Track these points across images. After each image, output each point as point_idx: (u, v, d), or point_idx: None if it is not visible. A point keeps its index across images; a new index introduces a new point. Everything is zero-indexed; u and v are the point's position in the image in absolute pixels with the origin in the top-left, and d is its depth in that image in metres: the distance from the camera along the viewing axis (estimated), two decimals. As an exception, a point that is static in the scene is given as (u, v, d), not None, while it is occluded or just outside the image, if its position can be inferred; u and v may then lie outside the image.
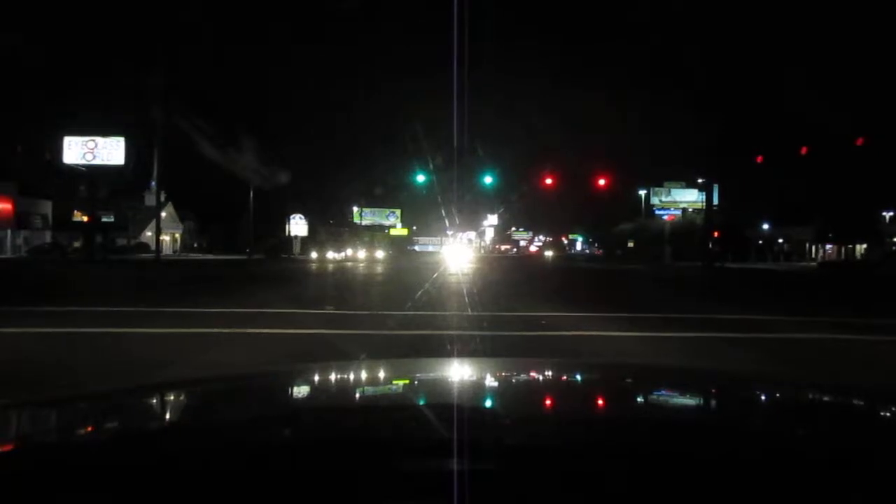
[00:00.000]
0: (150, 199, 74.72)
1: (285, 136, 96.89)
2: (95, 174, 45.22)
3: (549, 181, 37.63)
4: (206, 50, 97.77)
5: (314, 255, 55.80)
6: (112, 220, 54.61)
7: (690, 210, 57.99)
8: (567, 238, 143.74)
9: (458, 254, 53.55)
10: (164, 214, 74.02)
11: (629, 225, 62.40)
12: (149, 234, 70.58)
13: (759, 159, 38.10)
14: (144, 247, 62.77)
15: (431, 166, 41.36)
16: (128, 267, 34.79)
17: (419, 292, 17.34)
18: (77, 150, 43.91)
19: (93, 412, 1.37)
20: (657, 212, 58.24)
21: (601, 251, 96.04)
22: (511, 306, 13.46)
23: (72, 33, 68.87)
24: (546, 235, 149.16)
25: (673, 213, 57.78)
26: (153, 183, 75.96)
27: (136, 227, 63.92)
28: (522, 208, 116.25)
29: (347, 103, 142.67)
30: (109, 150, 44.63)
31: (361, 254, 60.08)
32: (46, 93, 45.03)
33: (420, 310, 12.63)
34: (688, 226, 55.75)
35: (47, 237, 55.70)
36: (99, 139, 44.12)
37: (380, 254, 62.22)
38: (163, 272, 29.49)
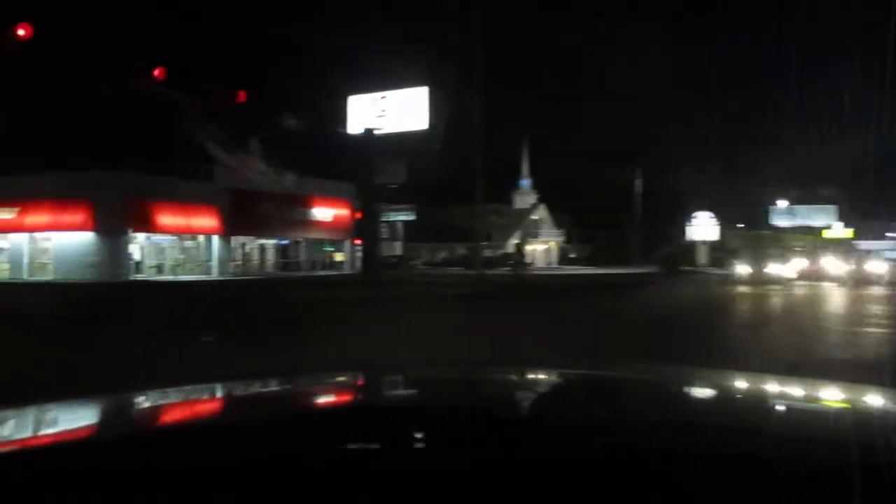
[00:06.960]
0: (520, 201, 64.42)
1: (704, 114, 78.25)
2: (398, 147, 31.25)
3: None
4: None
5: (739, 270, 33.34)
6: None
7: None
8: None
9: None
10: (536, 218, 63.03)
11: None
12: (514, 241, 60.11)
13: None
14: (509, 258, 51.85)
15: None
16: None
17: None
18: (368, 111, 30.89)
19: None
20: None
21: None
22: None
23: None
24: None
25: None
26: (524, 181, 65.93)
27: (501, 234, 53.21)
28: None
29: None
30: (404, 109, 31.17)
31: (825, 269, 38.64)
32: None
33: None
34: None
35: (398, 248, 47.19)
36: (389, 93, 30.76)
37: (835, 267, 40.05)
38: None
